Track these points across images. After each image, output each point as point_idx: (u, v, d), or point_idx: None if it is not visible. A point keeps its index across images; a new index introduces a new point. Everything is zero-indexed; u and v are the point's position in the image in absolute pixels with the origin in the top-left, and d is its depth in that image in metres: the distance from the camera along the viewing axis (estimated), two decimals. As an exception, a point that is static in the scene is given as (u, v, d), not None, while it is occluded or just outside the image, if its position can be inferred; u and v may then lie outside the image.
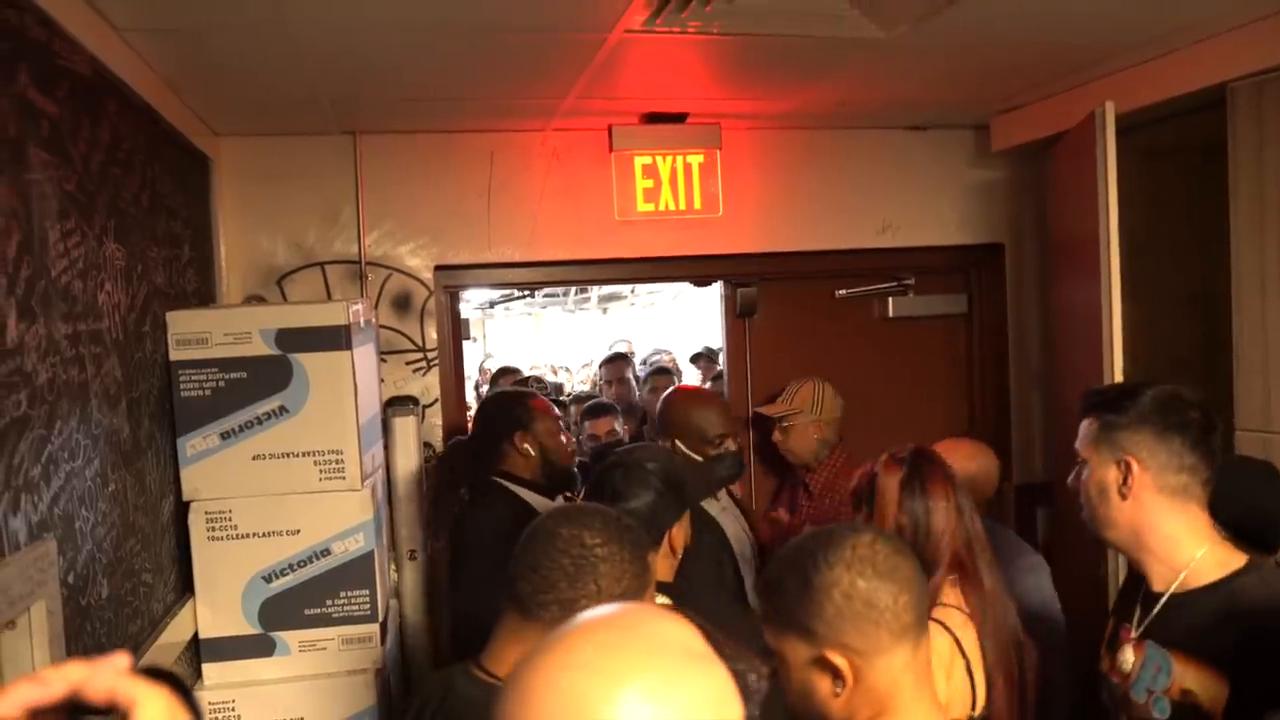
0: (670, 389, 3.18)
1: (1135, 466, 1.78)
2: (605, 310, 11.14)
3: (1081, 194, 3.10)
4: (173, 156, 2.85)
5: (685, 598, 2.16)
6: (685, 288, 8.69)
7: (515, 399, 3.08)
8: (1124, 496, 1.80)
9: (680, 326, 9.98)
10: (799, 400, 3.48)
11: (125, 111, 2.39)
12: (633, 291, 10.05)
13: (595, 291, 10.15)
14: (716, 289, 4.30)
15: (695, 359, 6.87)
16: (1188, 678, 1.71)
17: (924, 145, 3.95)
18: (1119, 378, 2.92)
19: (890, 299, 4.16)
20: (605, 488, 2.03)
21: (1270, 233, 2.83)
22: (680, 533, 2.05)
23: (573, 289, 9.72)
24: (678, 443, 2.88)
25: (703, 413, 2.94)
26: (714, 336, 7.86)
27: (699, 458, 2.85)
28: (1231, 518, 2.14)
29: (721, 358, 6.44)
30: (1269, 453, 2.69)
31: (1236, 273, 2.93)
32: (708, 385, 6.29)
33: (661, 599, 1.99)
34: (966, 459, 2.97)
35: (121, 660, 0.68)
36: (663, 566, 2.03)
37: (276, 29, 2.35)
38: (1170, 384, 1.86)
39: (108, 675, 0.66)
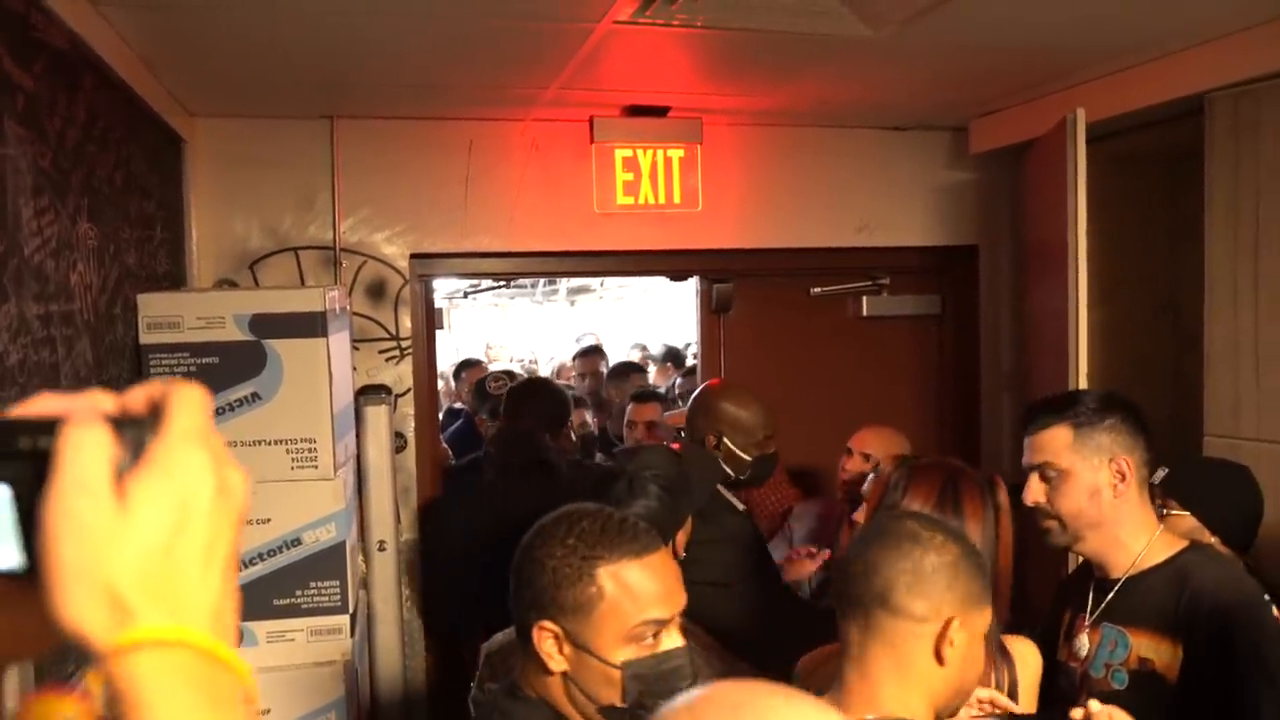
0: (710, 382, 3.04)
1: (1130, 466, 1.87)
2: (573, 303, 11.09)
3: (1053, 199, 3.12)
4: (147, 136, 2.79)
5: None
6: (656, 282, 8.70)
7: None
8: (1116, 495, 1.87)
9: (649, 321, 9.97)
10: None
11: (101, 88, 2.33)
12: (602, 285, 10.01)
13: (564, 284, 10.10)
14: (691, 284, 4.30)
15: (664, 359, 6.84)
16: (1143, 647, 1.82)
17: (903, 146, 3.96)
18: (1084, 382, 2.95)
19: (865, 298, 4.18)
20: (608, 496, 2.01)
21: (1244, 242, 2.87)
22: (682, 537, 2.05)
23: (541, 280, 9.67)
24: (725, 439, 2.78)
25: (755, 411, 2.84)
26: (682, 332, 7.88)
27: (747, 456, 2.78)
28: (1210, 518, 2.21)
29: (690, 353, 6.49)
30: (1237, 458, 2.72)
31: (1210, 281, 2.96)
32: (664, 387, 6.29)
33: None
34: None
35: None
36: None
37: (261, 8, 2.31)
38: (1102, 389, 2.00)
39: (141, 389, 0.64)
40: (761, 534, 2.77)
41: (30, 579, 0.57)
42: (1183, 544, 1.90)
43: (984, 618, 1.49)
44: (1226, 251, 2.92)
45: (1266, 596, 1.93)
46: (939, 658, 1.46)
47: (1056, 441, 1.90)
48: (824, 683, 1.65)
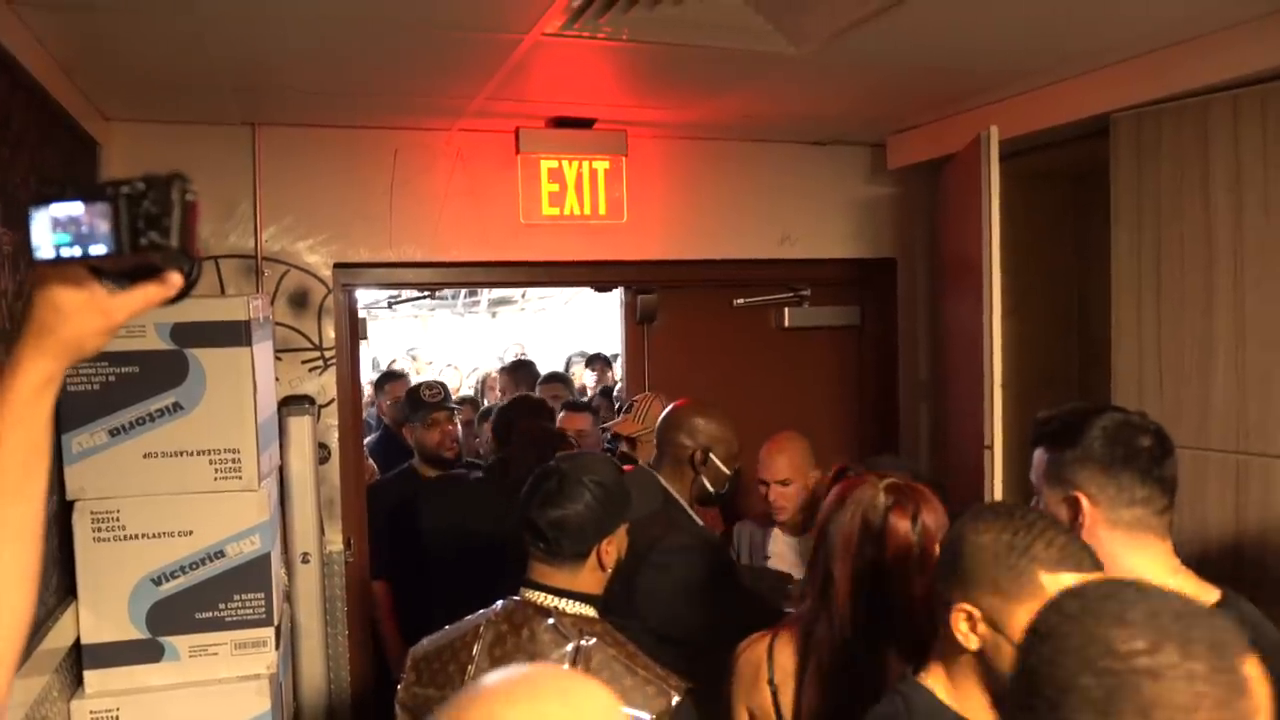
0: (678, 403, 2.99)
1: (1085, 503, 1.75)
2: (495, 314, 11.05)
3: (967, 214, 3.23)
4: (61, 140, 2.72)
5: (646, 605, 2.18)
6: (577, 293, 8.73)
7: None
8: (1079, 533, 1.72)
9: (571, 332, 9.98)
10: (651, 417, 3.38)
11: (14, 90, 2.27)
12: (524, 296, 10.00)
13: (485, 295, 10.06)
14: (615, 295, 4.33)
15: (591, 362, 6.91)
16: None
17: (824, 161, 4.05)
18: (998, 391, 3.04)
19: (786, 309, 4.26)
20: (538, 492, 2.01)
21: (1147, 256, 3.00)
22: (612, 547, 2.01)
23: (463, 291, 9.62)
24: (711, 454, 2.80)
25: (729, 425, 2.87)
26: (604, 342, 7.91)
27: (728, 470, 2.82)
28: None
29: (618, 363, 6.54)
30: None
31: (1116, 293, 3.09)
32: (598, 391, 6.34)
33: (588, 610, 1.99)
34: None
35: None
36: (590, 579, 2.01)
37: (182, 11, 2.27)
38: (1119, 410, 1.82)
39: None
40: (725, 546, 2.81)
41: (110, 267, 0.96)
42: (1213, 595, 1.73)
43: (1032, 609, 1.41)
44: (1131, 265, 3.05)
45: None
46: (961, 641, 1.53)
47: (1036, 463, 1.86)
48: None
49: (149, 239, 0.93)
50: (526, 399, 4.02)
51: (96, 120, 3.08)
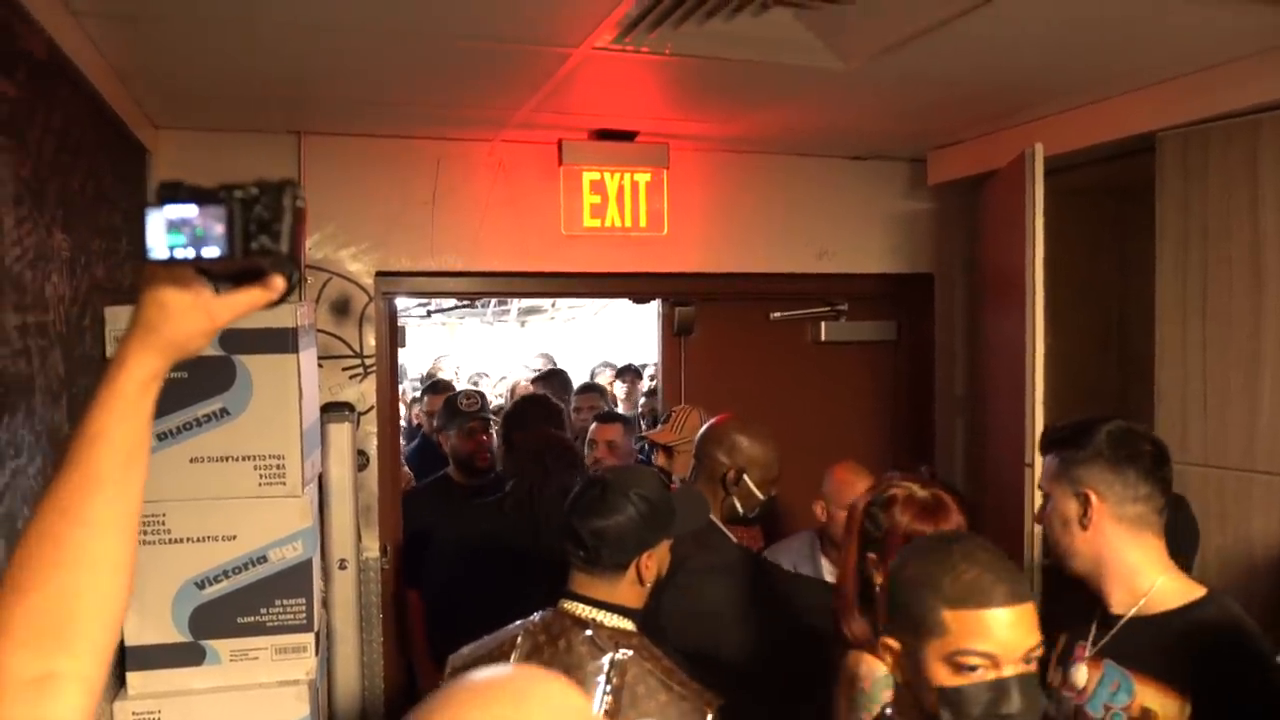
0: (720, 417, 2.93)
1: (1094, 498, 1.88)
2: (524, 323, 11.07)
3: (1009, 230, 3.21)
4: (114, 147, 2.76)
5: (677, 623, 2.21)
6: (608, 303, 8.74)
7: None
8: (1084, 527, 1.89)
9: (600, 342, 9.99)
10: (689, 428, 3.37)
11: (74, 98, 2.31)
12: (553, 305, 10.01)
13: (515, 304, 10.08)
14: (644, 307, 4.34)
15: (622, 374, 6.93)
16: (1147, 696, 1.79)
17: (863, 175, 4.05)
18: (1040, 408, 3.02)
19: (823, 323, 4.26)
20: (581, 501, 2.01)
21: (1193, 274, 2.98)
22: (653, 562, 2.01)
23: (493, 300, 9.64)
24: (746, 475, 2.75)
25: (772, 448, 2.81)
26: (632, 353, 7.92)
27: (761, 495, 2.76)
28: None
29: (647, 374, 6.55)
30: (1184, 482, 2.81)
31: (1161, 312, 3.07)
32: (629, 401, 6.35)
33: (627, 624, 2.00)
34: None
35: None
36: (630, 593, 2.01)
37: (242, 23, 2.30)
38: (1122, 419, 1.96)
39: None
40: (763, 565, 2.76)
41: (219, 269, 0.99)
42: (1199, 592, 1.85)
43: (937, 646, 1.40)
44: (1176, 283, 3.03)
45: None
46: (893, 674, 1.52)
47: (1046, 467, 1.99)
48: None
49: (260, 243, 0.96)
50: (529, 401, 3.98)
51: (147, 128, 3.12)
